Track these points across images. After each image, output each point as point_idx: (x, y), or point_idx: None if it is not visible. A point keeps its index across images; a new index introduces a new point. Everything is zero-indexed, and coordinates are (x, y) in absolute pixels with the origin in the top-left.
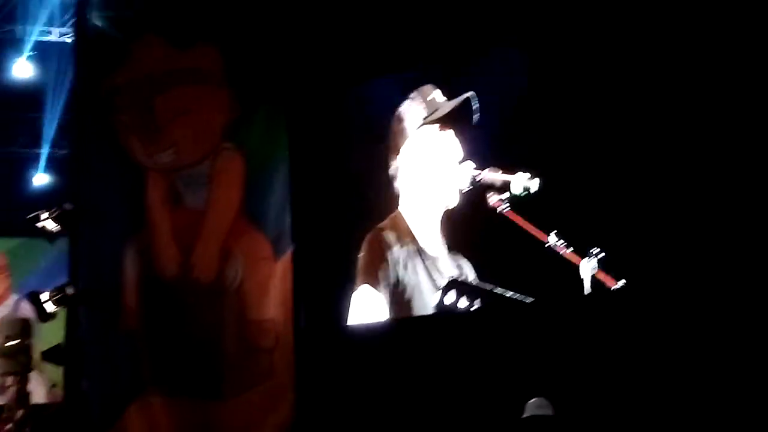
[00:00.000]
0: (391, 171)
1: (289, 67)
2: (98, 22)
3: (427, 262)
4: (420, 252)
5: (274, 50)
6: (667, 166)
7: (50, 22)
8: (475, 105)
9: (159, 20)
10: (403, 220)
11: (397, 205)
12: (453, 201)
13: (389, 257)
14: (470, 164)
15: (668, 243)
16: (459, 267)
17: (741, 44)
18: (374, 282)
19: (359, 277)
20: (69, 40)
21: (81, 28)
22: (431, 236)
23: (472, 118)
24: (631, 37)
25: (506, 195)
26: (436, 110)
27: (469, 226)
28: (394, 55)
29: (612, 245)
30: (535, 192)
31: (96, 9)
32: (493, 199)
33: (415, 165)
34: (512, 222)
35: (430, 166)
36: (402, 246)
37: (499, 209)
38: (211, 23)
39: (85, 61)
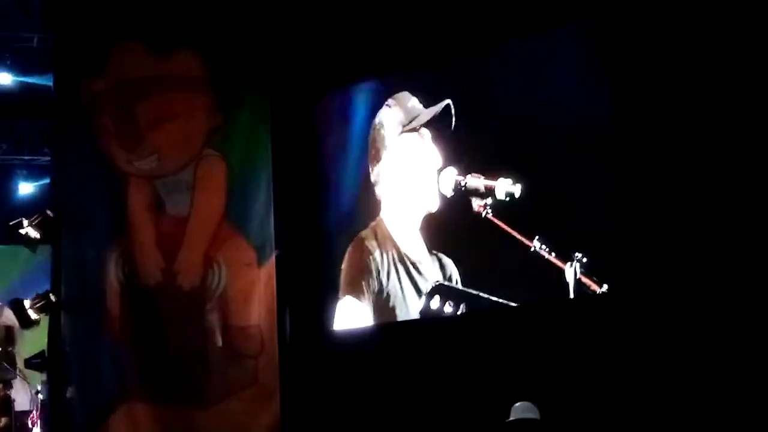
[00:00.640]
0: (373, 178)
1: (271, 73)
2: (78, 27)
3: (409, 268)
4: (402, 258)
5: (256, 56)
6: (649, 170)
7: (31, 28)
8: (453, 112)
9: (140, 26)
10: (385, 226)
11: (380, 211)
12: (434, 206)
13: (371, 266)
14: (453, 170)
15: (652, 248)
16: (442, 267)
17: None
18: (358, 293)
19: (342, 288)
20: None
21: (61, 33)
22: (412, 241)
23: (451, 124)
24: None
25: (489, 200)
26: (415, 117)
27: (453, 231)
28: (374, 61)
29: (595, 250)
30: (518, 197)
31: (76, 14)
32: (476, 204)
33: (395, 171)
34: (497, 227)
35: (411, 173)
36: (384, 253)
37: (483, 214)
38: (192, 29)
39: (65, 67)
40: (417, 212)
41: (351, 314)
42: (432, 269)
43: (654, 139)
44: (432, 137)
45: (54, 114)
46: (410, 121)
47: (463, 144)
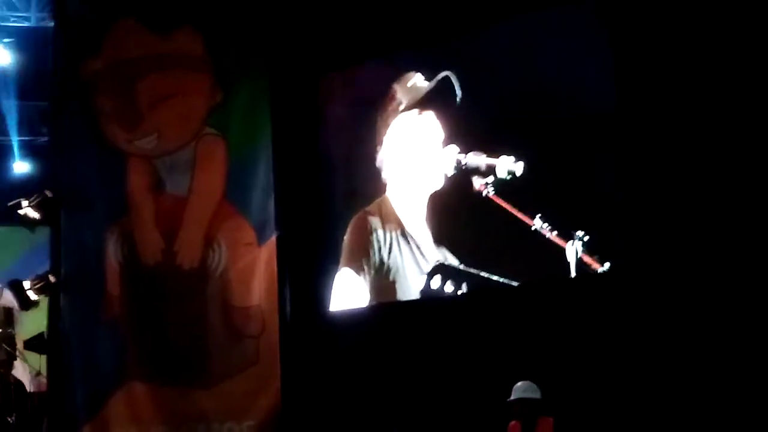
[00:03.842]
0: (378, 158)
1: (272, 51)
2: (77, 6)
3: (412, 246)
4: (406, 236)
5: (256, 35)
6: (649, 149)
7: (28, 7)
8: (456, 84)
9: (138, 5)
10: (390, 204)
11: (384, 191)
12: (438, 184)
13: (373, 240)
14: (454, 148)
15: (653, 227)
16: (444, 258)
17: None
18: (357, 265)
19: (342, 260)
20: (47, 25)
21: (60, 12)
22: (417, 221)
23: (455, 98)
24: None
25: (491, 179)
26: (416, 93)
27: (455, 209)
28: (379, 39)
29: (597, 229)
30: (520, 176)
31: None
32: (477, 182)
33: (398, 150)
34: (498, 206)
35: (414, 150)
36: (387, 229)
37: (484, 193)
38: (192, 8)
39: (63, 46)
40: (421, 191)
41: (347, 287)
42: (435, 251)
43: (655, 119)
44: (436, 115)
45: (53, 94)
46: (411, 99)
47: (465, 121)
